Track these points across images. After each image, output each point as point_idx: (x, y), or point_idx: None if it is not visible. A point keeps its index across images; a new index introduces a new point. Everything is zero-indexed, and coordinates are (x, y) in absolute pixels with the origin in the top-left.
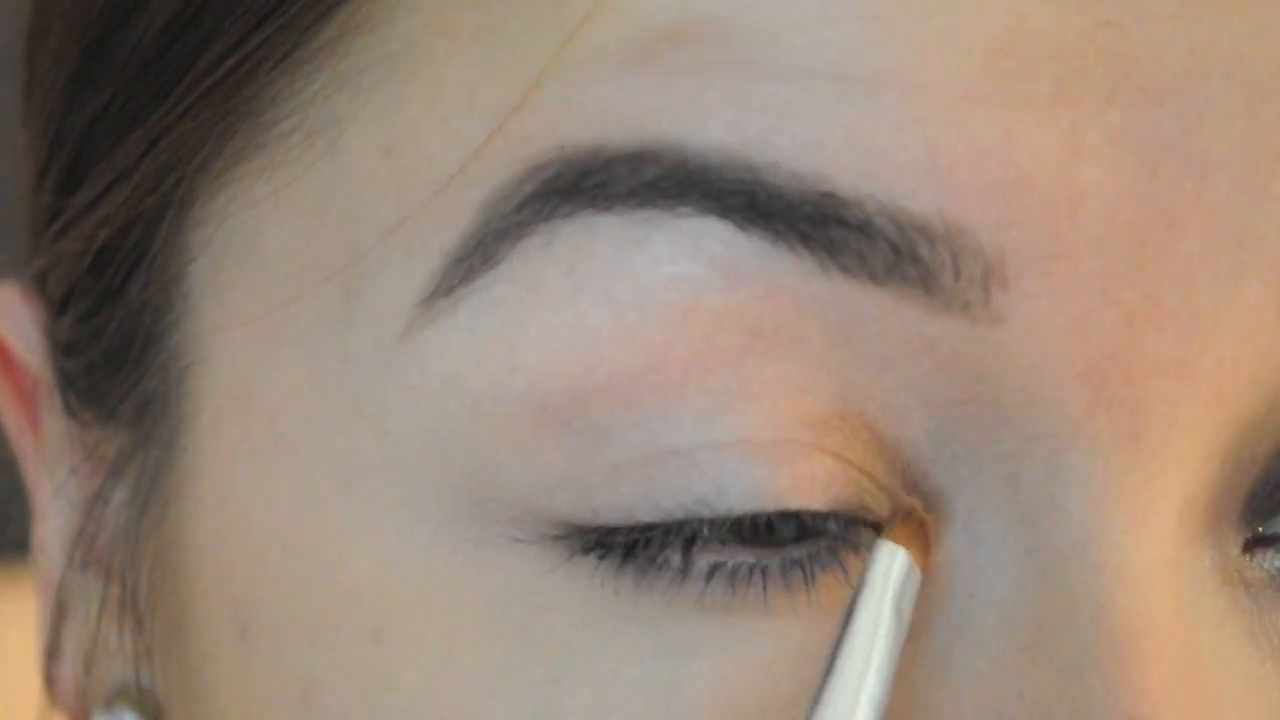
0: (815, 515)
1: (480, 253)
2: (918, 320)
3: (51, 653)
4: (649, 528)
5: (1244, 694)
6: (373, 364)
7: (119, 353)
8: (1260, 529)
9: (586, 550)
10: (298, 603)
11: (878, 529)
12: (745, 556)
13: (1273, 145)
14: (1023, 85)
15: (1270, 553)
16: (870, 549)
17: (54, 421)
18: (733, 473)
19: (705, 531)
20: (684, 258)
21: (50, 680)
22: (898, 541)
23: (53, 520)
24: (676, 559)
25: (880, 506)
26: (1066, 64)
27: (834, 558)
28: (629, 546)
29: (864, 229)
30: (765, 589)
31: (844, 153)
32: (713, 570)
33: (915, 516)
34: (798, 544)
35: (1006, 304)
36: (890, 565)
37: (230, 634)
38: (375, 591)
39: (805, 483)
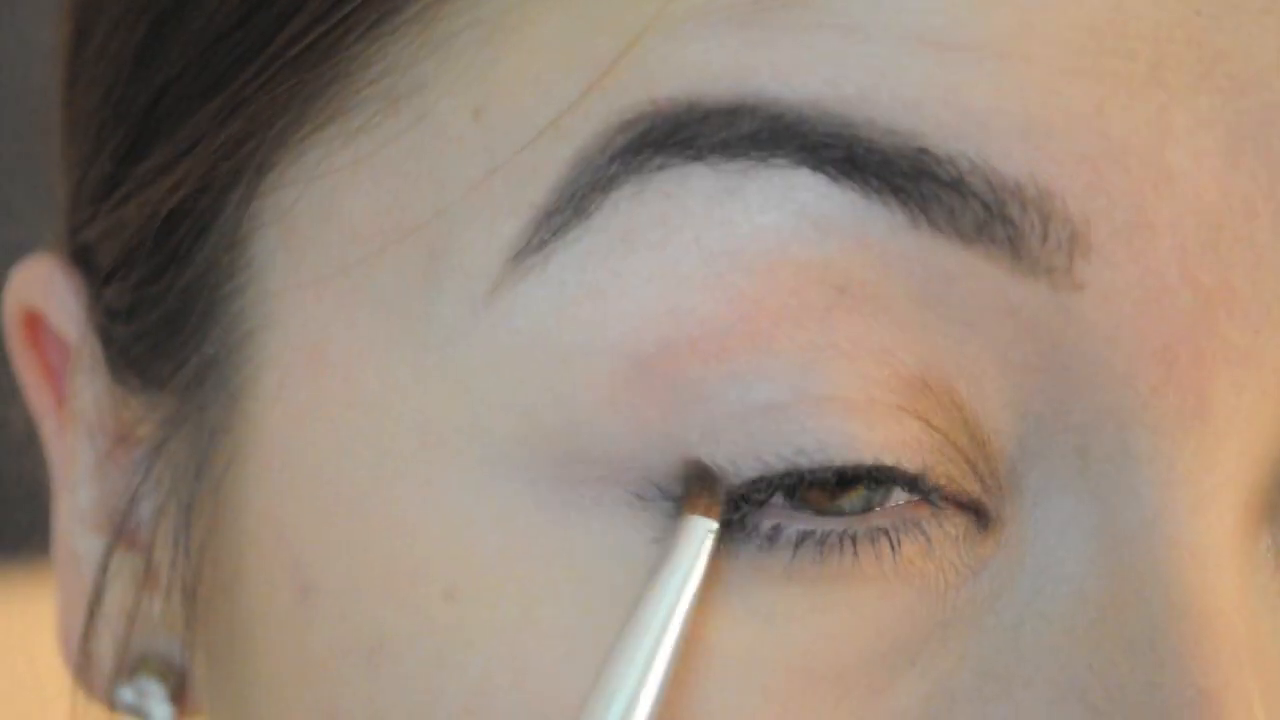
0: (907, 476)
1: (571, 206)
2: (1002, 283)
3: (87, 625)
4: (751, 482)
5: None
6: (457, 322)
7: (177, 318)
8: None
9: (672, 514)
10: (368, 561)
11: (957, 500)
12: (832, 525)
13: None
14: (1118, 63)
15: None
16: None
17: (97, 390)
18: (830, 426)
19: (805, 481)
20: (775, 208)
21: (78, 655)
22: (702, 514)
23: (86, 490)
24: (765, 525)
25: (963, 476)
26: (1161, 47)
27: (918, 526)
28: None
29: (956, 186)
30: (857, 554)
31: (941, 113)
32: (802, 538)
33: (704, 484)
34: (881, 511)
35: (1088, 273)
36: (703, 540)
37: (289, 594)
38: (451, 550)
39: (897, 443)
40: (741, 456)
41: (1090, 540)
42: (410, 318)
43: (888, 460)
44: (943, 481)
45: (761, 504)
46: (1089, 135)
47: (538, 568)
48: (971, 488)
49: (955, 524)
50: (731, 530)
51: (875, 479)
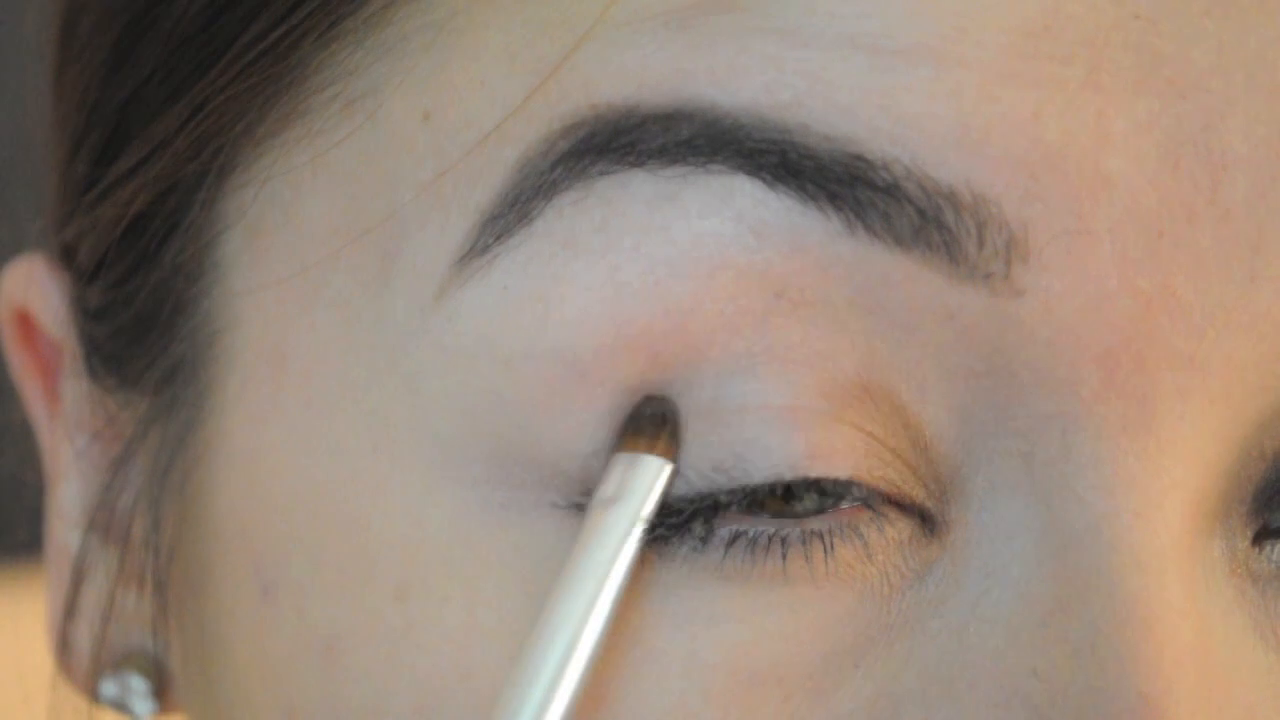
0: (835, 483)
1: (515, 210)
2: (940, 289)
3: (66, 619)
4: (680, 498)
5: (1250, 682)
6: (407, 324)
7: (148, 318)
8: (1268, 523)
9: None
10: (323, 560)
11: (899, 504)
12: (766, 526)
13: None
14: (1054, 68)
15: (1278, 546)
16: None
17: (77, 388)
18: (752, 439)
19: (724, 499)
20: (713, 214)
21: (59, 647)
22: (655, 451)
23: (70, 486)
24: (699, 527)
25: (904, 481)
26: (1098, 51)
27: (855, 531)
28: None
29: (891, 192)
30: (785, 558)
31: (876, 118)
32: (734, 538)
33: (664, 415)
34: (818, 516)
35: (1027, 278)
36: (655, 479)
37: (252, 591)
38: (400, 550)
39: (824, 450)
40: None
41: (1035, 544)
42: (364, 319)
43: (813, 473)
44: (881, 485)
45: (687, 521)
46: (1025, 141)
47: (482, 568)
48: (914, 492)
49: (898, 528)
50: (663, 528)
51: (796, 492)
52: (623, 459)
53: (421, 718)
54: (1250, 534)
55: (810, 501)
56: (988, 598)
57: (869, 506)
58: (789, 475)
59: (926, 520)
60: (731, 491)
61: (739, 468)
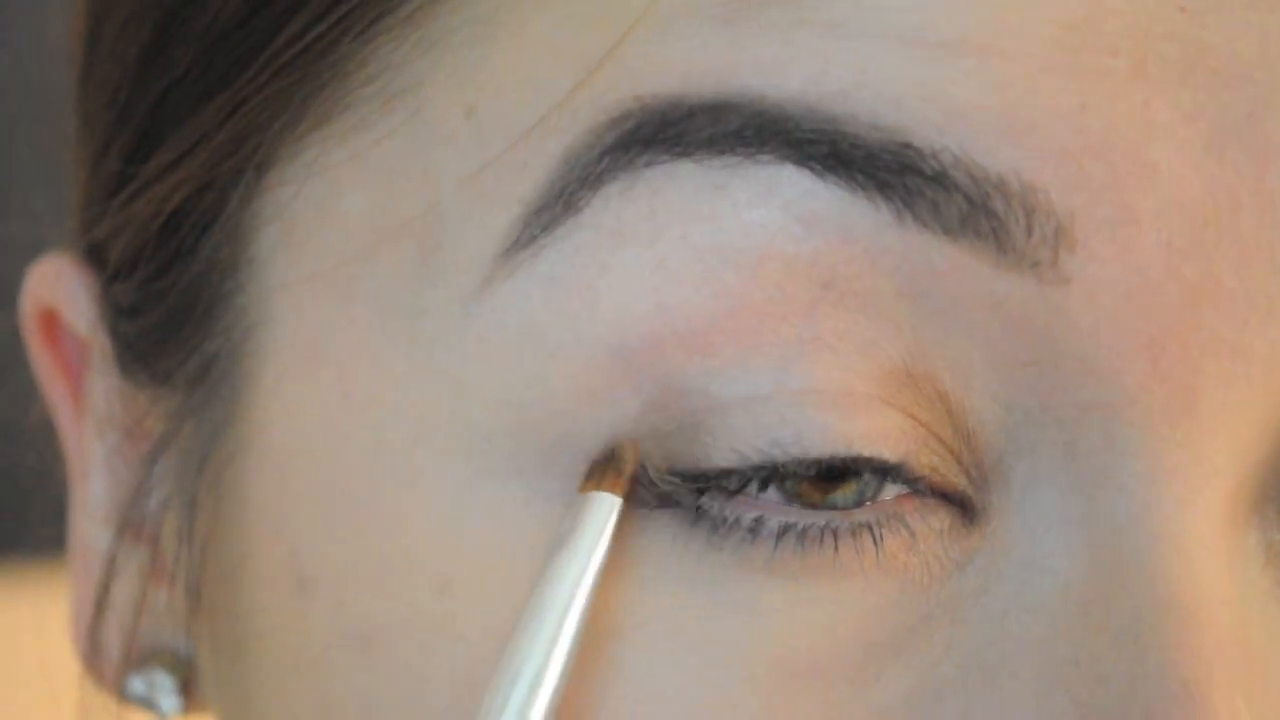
0: (886, 466)
1: (561, 202)
2: (987, 277)
3: (95, 617)
4: (725, 473)
5: None
6: (449, 318)
7: (182, 314)
8: None
9: (658, 505)
10: (361, 553)
11: (942, 492)
12: (815, 519)
13: None
14: (1099, 59)
15: None
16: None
17: (104, 386)
18: (808, 419)
19: (780, 474)
20: (761, 203)
21: (87, 645)
22: (607, 489)
23: (98, 483)
24: (748, 518)
25: (948, 469)
26: (1142, 43)
27: (901, 521)
28: (700, 497)
29: (940, 180)
30: (837, 549)
31: (923, 109)
32: (783, 531)
33: (611, 454)
34: (861, 509)
35: (1074, 267)
36: (607, 516)
37: (287, 585)
38: (442, 543)
39: (877, 434)
40: (717, 448)
41: (1076, 533)
42: (403, 313)
43: (866, 451)
44: (926, 472)
45: (733, 494)
46: (1071, 130)
47: (525, 561)
48: (957, 480)
49: (940, 518)
50: (712, 520)
51: (855, 471)
52: (576, 500)
53: (460, 711)
54: None
55: (851, 493)
56: (1029, 587)
57: (915, 493)
58: (844, 453)
59: (968, 509)
60: (789, 462)
61: (796, 444)
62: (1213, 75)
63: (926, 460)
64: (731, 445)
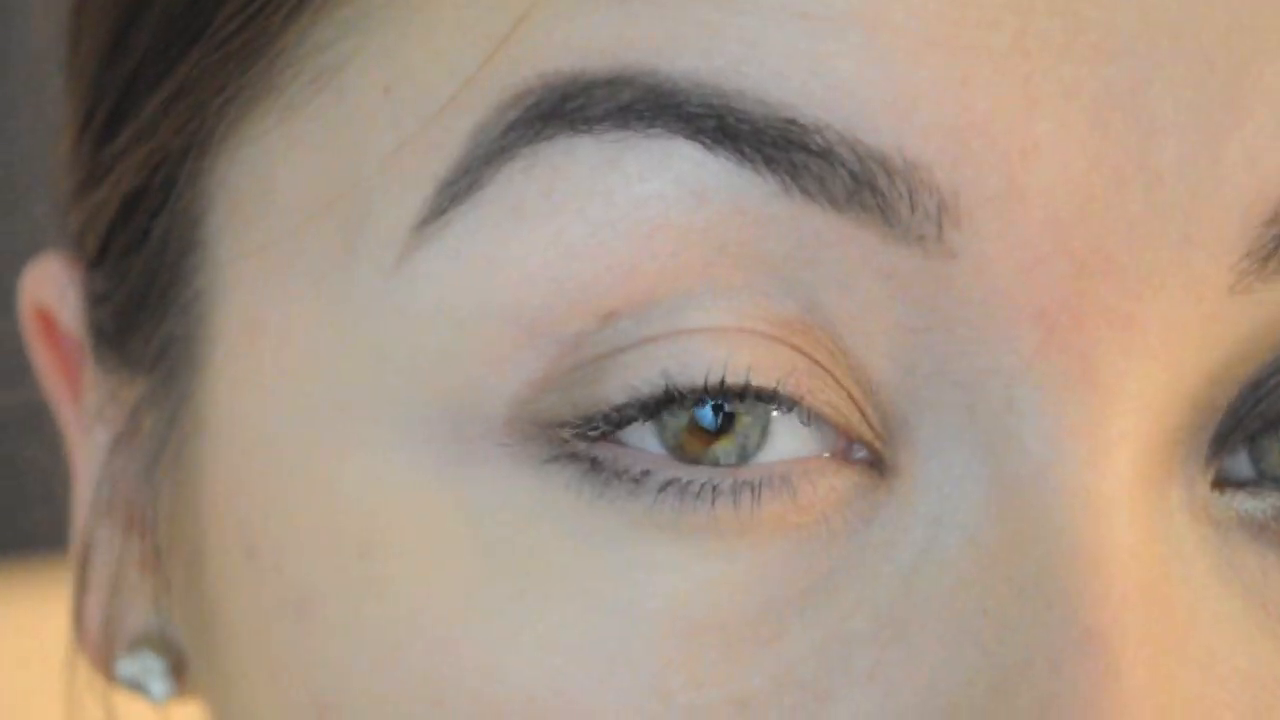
0: (777, 397)
1: (468, 177)
2: (876, 249)
3: (79, 600)
4: (617, 409)
5: (1212, 625)
6: (371, 291)
7: (143, 296)
8: (1227, 471)
9: (555, 459)
10: (296, 522)
11: (854, 449)
12: (698, 474)
13: (1219, 117)
14: (982, 34)
15: (1240, 494)
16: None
17: (88, 377)
18: (697, 350)
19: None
20: (654, 176)
21: (76, 629)
22: None
23: (84, 471)
24: (636, 469)
25: (850, 414)
26: (1023, 17)
27: (785, 482)
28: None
29: (825, 155)
30: (714, 504)
31: (809, 83)
32: (666, 484)
33: None
34: (748, 466)
35: (959, 241)
36: None
37: (238, 556)
38: (364, 509)
39: (768, 366)
40: (614, 387)
41: (982, 489)
42: (332, 287)
43: (759, 381)
44: (828, 413)
45: (623, 424)
46: (954, 107)
47: (438, 524)
48: (862, 431)
49: (842, 478)
50: (605, 473)
51: (747, 397)
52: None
53: (386, 669)
54: (1209, 481)
55: (731, 446)
56: (937, 542)
57: (819, 450)
58: (732, 380)
59: (875, 464)
60: (670, 389)
61: (684, 374)
62: (1093, 49)
63: (825, 399)
64: (623, 381)
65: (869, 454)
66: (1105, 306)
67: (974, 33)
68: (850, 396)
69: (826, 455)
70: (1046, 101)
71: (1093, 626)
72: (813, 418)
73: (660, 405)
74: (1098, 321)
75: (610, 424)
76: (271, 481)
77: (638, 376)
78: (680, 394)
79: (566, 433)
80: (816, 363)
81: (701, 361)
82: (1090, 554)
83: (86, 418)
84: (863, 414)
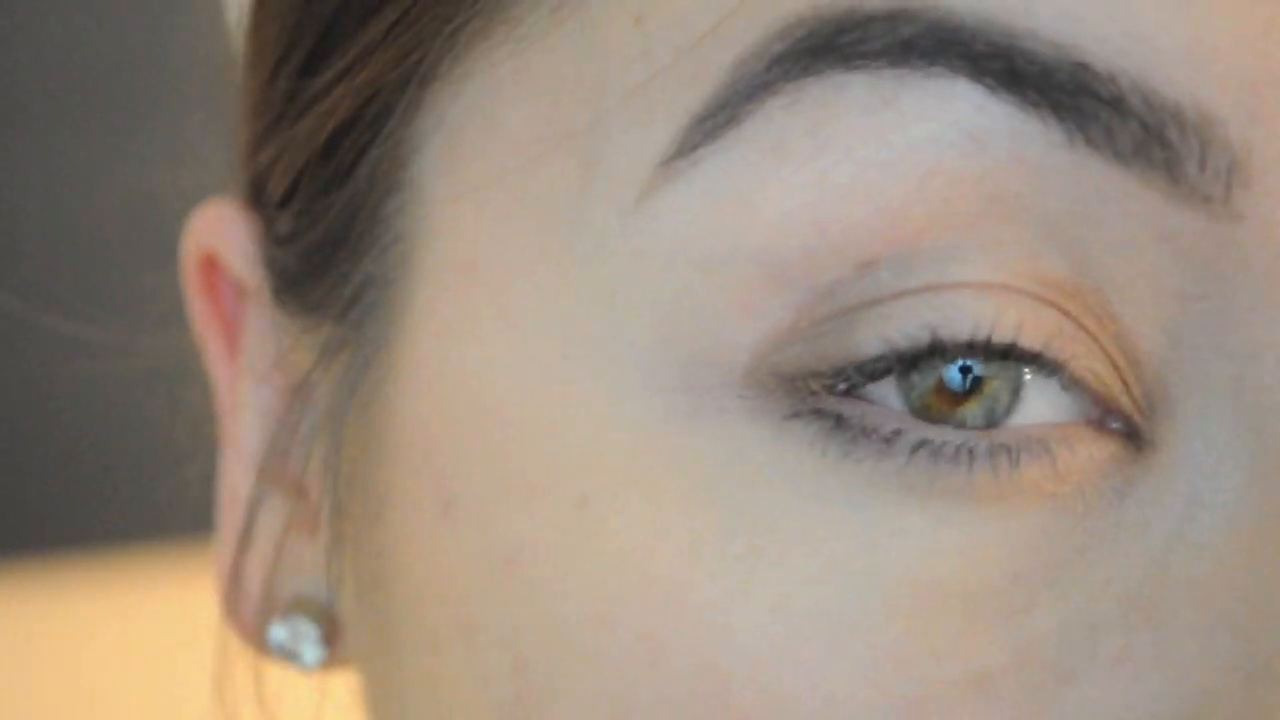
0: (1042, 361)
1: (724, 112)
2: (1158, 208)
3: (235, 565)
4: (872, 360)
5: None
6: (606, 230)
7: (339, 236)
8: None
9: (797, 414)
10: (506, 471)
11: (1106, 409)
12: (951, 436)
13: None
14: None
15: None
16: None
17: (261, 323)
18: (960, 304)
19: (934, 352)
20: (931, 118)
21: (232, 593)
22: None
23: (248, 426)
24: (886, 429)
25: (1113, 384)
26: None
27: (1044, 448)
28: (842, 402)
29: (1116, 105)
30: (971, 469)
31: (1105, 28)
32: (918, 445)
33: None
34: (1003, 430)
35: (1247, 203)
36: None
37: (432, 509)
38: (584, 459)
39: (1031, 326)
40: (868, 339)
41: (1245, 469)
42: (561, 227)
43: (1025, 341)
44: (1089, 380)
45: (876, 377)
46: (1254, 59)
47: (666, 476)
48: (1121, 400)
49: (1100, 446)
50: (852, 431)
51: (1010, 356)
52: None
53: (600, 626)
54: None
55: (978, 409)
56: (1194, 523)
57: (1077, 418)
58: (997, 339)
59: (1132, 436)
60: (935, 342)
61: (948, 328)
62: None
63: (1089, 367)
64: (880, 333)
65: (1125, 425)
66: None
67: None
68: (1114, 365)
69: (1083, 422)
70: None
71: None
72: (1073, 383)
73: (920, 359)
74: None
75: (862, 375)
76: (480, 430)
77: (897, 329)
78: (944, 348)
79: (814, 384)
80: (1083, 327)
81: (967, 316)
82: None
83: (247, 365)
84: (1125, 384)
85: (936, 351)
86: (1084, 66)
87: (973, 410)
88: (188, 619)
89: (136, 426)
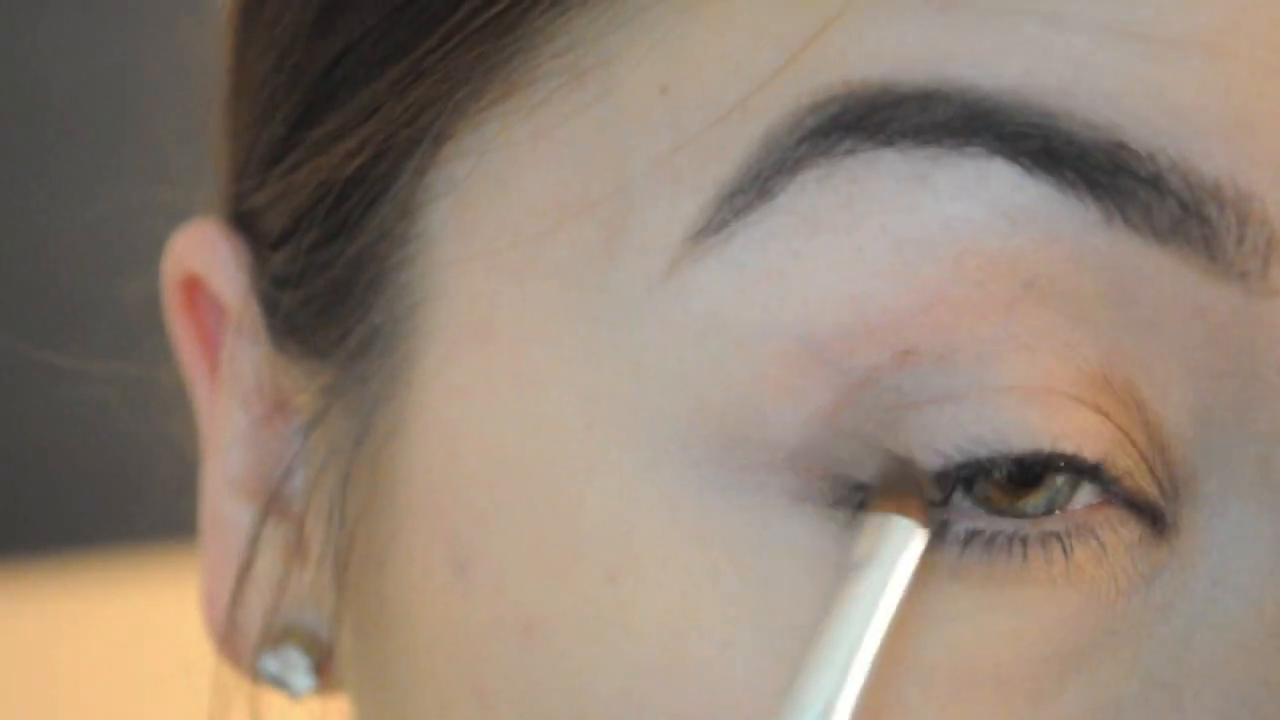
0: (1085, 466)
1: (756, 186)
2: (1194, 285)
3: (235, 595)
4: (934, 477)
5: None
6: (632, 300)
7: (344, 287)
8: None
9: (840, 503)
10: (528, 539)
11: (1133, 501)
12: (1002, 526)
13: None
14: None
15: None
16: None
17: (257, 356)
18: (1007, 415)
19: (985, 465)
20: (966, 197)
21: (224, 625)
22: (906, 514)
23: (238, 456)
24: (934, 522)
25: (1142, 476)
26: None
27: (1091, 532)
28: None
29: (1154, 183)
30: (1025, 558)
31: (1142, 107)
32: (970, 537)
33: (910, 484)
34: (1050, 517)
35: None
36: (905, 541)
37: (445, 568)
38: (614, 531)
39: (1076, 432)
40: (919, 448)
41: (1269, 553)
42: (584, 294)
43: (1067, 449)
44: (1122, 475)
45: (942, 503)
46: None
47: (699, 553)
48: (1149, 489)
49: (1130, 529)
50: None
51: (1054, 468)
52: (875, 519)
53: (626, 703)
54: None
55: (1041, 500)
56: (1217, 605)
57: (1107, 501)
58: (1045, 449)
59: (1158, 521)
60: (989, 458)
61: (999, 440)
62: None
63: (1123, 464)
64: (932, 445)
65: (1151, 509)
66: None
67: None
68: (1143, 456)
69: (1116, 502)
70: None
71: None
72: (1107, 479)
73: (971, 479)
74: None
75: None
76: (496, 496)
77: (946, 441)
78: (994, 463)
79: (853, 485)
80: (1118, 427)
81: (1011, 427)
82: None
83: (237, 393)
84: (1152, 472)
85: (984, 467)
86: (1122, 145)
87: (1034, 502)
88: (168, 623)
89: (109, 433)
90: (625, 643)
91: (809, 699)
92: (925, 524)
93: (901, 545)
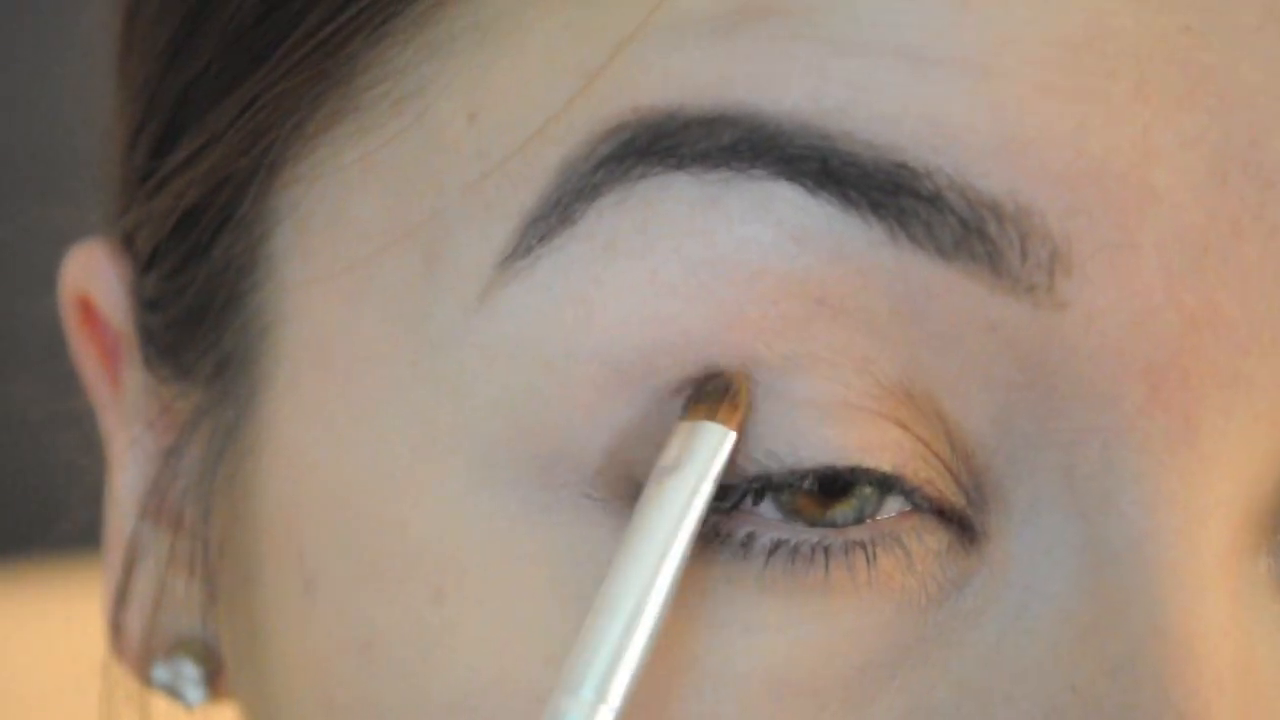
0: (883, 478)
1: (557, 212)
2: (982, 300)
3: (119, 604)
4: (723, 488)
5: None
6: (451, 325)
7: (200, 311)
8: None
9: None
10: (363, 559)
11: (940, 510)
12: (808, 535)
13: None
14: (1099, 81)
15: None
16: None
17: (134, 376)
18: (803, 430)
19: (776, 480)
20: (755, 219)
21: (115, 632)
22: (716, 419)
23: (126, 472)
24: (741, 533)
25: (945, 485)
26: (1144, 64)
27: (896, 540)
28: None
29: (934, 201)
30: (828, 568)
31: (919, 128)
32: (775, 547)
33: (722, 392)
34: (859, 526)
35: (1070, 291)
36: (717, 447)
37: (296, 586)
38: (439, 552)
39: (874, 445)
40: None
41: (1076, 558)
42: (409, 318)
43: (866, 463)
44: (923, 485)
45: (730, 510)
46: (1069, 153)
47: (520, 570)
48: (955, 498)
49: (938, 538)
50: (707, 537)
51: (854, 485)
52: (684, 427)
53: (457, 718)
54: None
55: (850, 510)
56: (1026, 612)
57: (915, 509)
58: (840, 463)
59: (966, 529)
60: (784, 474)
61: (792, 455)
62: (1215, 100)
63: (924, 474)
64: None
65: (958, 518)
66: (1213, 363)
67: (1090, 80)
68: (946, 467)
69: (925, 511)
70: (1164, 150)
71: (1185, 711)
72: (911, 489)
73: (763, 490)
74: (1203, 378)
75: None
76: (335, 517)
77: (740, 453)
78: (797, 475)
79: None
80: (919, 438)
81: (806, 442)
82: (1182, 633)
83: (126, 413)
84: (957, 481)
85: (777, 485)
86: (902, 165)
87: (844, 511)
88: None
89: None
90: (452, 660)
91: (621, 596)
92: (737, 428)
93: (712, 450)
